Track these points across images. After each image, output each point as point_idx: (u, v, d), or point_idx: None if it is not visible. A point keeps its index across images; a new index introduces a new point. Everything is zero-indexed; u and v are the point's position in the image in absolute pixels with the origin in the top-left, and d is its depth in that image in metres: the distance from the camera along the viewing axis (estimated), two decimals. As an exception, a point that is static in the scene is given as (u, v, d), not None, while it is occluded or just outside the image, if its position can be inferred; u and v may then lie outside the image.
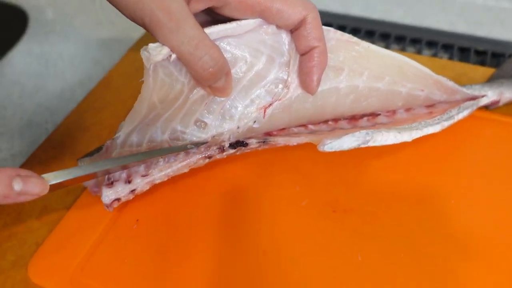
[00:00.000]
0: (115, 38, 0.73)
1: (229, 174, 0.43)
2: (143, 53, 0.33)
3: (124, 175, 0.39)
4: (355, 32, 0.69)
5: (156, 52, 0.32)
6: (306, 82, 0.37)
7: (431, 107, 0.44)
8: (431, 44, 0.66)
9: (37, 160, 0.47)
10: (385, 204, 0.40)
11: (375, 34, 0.68)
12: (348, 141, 0.32)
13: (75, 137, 0.50)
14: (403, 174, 0.42)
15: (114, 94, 0.55)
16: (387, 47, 0.66)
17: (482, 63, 0.62)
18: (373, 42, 0.66)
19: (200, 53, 0.32)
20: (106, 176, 0.39)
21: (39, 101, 0.63)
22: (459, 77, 0.52)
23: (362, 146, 0.34)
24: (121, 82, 0.56)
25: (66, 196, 0.44)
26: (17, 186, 0.29)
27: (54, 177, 0.32)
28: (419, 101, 0.43)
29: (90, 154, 0.43)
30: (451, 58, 0.64)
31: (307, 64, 0.37)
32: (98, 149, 0.42)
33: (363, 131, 0.33)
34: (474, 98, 0.44)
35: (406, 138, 0.36)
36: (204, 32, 0.33)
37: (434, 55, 0.64)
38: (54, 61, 0.70)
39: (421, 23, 0.72)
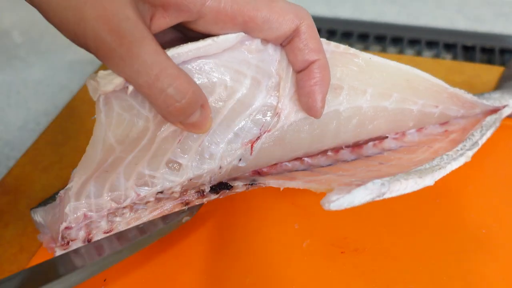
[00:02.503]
0: (83, 60, 0.67)
1: (212, 213, 0.36)
2: (89, 83, 0.26)
3: (82, 232, 0.32)
4: (346, 36, 0.63)
5: (105, 81, 0.25)
6: (309, 104, 0.30)
7: (446, 125, 0.37)
8: (431, 44, 0.60)
9: (-13, 210, 0.40)
10: (403, 239, 0.33)
11: (369, 37, 0.62)
12: (360, 196, 0.25)
13: (32, 179, 0.43)
14: (421, 201, 0.35)
15: (76, 124, 0.48)
16: (383, 50, 0.60)
17: (489, 61, 0.55)
18: (367, 46, 0.61)
19: (162, 85, 0.25)
20: (60, 235, 0.32)
21: (-2, 136, 0.56)
22: (471, 80, 0.46)
23: (377, 199, 0.27)
24: (85, 109, 0.49)
25: (20, 254, 0.36)
26: None
27: None
28: (433, 119, 0.37)
29: (43, 203, 0.36)
30: (455, 57, 0.57)
31: (307, 82, 0.30)
32: (53, 197, 0.35)
33: (377, 181, 0.26)
34: (495, 110, 0.38)
35: (428, 182, 0.29)
36: (168, 58, 0.26)
37: (436, 55, 0.58)
38: (17, 89, 0.63)
39: (417, 22, 0.66)
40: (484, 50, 0.58)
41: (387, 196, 0.27)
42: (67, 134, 0.47)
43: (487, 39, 0.59)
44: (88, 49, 0.25)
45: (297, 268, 0.33)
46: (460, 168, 0.35)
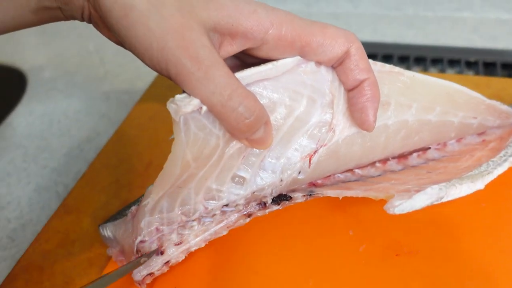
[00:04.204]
0: (119, 89, 0.70)
1: (269, 225, 0.39)
2: (170, 106, 0.29)
3: (155, 245, 0.34)
4: (372, 58, 0.65)
5: (185, 103, 0.28)
6: (362, 119, 0.33)
7: (483, 134, 0.40)
8: (453, 62, 0.63)
9: (54, 230, 0.43)
10: (455, 240, 0.35)
11: (393, 58, 0.65)
12: (420, 201, 0.29)
13: (91, 199, 0.45)
14: (466, 204, 0.37)
15: (127, 148, 0.51)
16: (407, 69, 0.63)
17: (510, 76, 0.58)
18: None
19: (234, 104, 0.28)
20: (135, 248, 0.34)
21: (45, 163, 0.59)
22: (499, 93, 0.49)
23: (436, 203, 0.30)
24: (133, 134, 0.52)
25: (90, 268, 0.39)
26: None
27: None
28: (472, 129, 0.39)
29: (112, 219, 0.38)
30: (476, 74, 0.60)
31: (359, 99, 0.33)
32: (121, 213, 0.38)
33: (436, 187, 0.29)
34: (529, 120, 0.41)
35: (479, 186, 0.33)
36: (237, 80, 0.29)
37: (459, 73, 0.61)
38: (58, 119, 0.66)
39: (435, 43, 0.70)
40: (504, 66, 0.61)
41: (444, 200, 0.30)
42: (119, 157, 0.49)
43: (507, 55, 0.62)
44: (168, 74, 0.28)
45: (356, 271, 0.35)
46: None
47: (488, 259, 0.34)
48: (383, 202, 0.33)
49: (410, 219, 0.37)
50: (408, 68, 0.63)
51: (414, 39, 0.71)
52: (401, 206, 0.28)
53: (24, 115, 0.68)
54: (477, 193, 0.36)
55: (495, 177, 0.34)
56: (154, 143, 0.50)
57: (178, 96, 0.29)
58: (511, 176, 0.39)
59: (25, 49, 0.85)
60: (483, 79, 0.53)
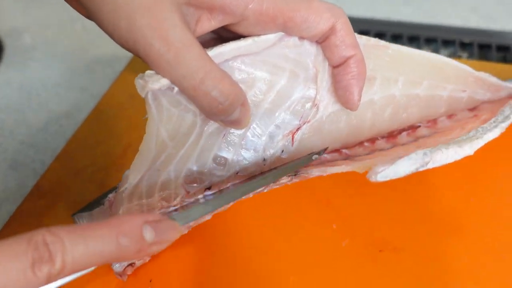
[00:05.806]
0: (102, 61, 0.67)
1: (250, 216, 0.37)
2: (138, 82, 0.27)
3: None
4: (362, 34, 0.63)
5: (153, 80, 0.26)
6: (346, 97, 0.31)
7: (475, 110, 0.39)
8: (447, 43, 0.61)
9: (26, 214, 0.41)
10: (441, 238, 0.34)
11: (386, 36, 0.62)
12: (404, 166, 0.27)
13: (66, 182, 0.43)
14: (460, 199, 0.36)
15: (106, 128, 0.49)
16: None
17: (505, 59, 0.56)
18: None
19: (207, 88, 0.26)
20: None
21: (22, 138, 0.57)
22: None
23: (421, 169, 0.28)
24: (112, 113, 0.50)
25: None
26: (149, 235, 0.23)
27: (183, 218, 0.27)
28: (462, 103, 0.38)
29: (88, 208, 0.36)
30: (471, 55, 0.58)
31: (344, 76, 0.31)
32: (97, 202, 0.36)
33: (420, 152, 0.28)
34: (520, 93, 0.39)
35: (467, 151, 0.31)
36: (212, 62, 0.27)
37: (453, 54, 0.59)
38: (36, 91, 0.64)
39: (431, 20, 0.67)
40: (499, 48, 0.59)
41: (430, 166, 0.28)
42: (96, 139, 0.47)
43: (502, 37, 0.60)
44: (137, 54, 0.26)
45: (338, 267, 0.33)
46: (497, 165, 0.36)
47: (475, 258, 0.33)
48: (369, 195, 0.31)
49: (396, 214, 0.35)
50: (402, 46, 0.61)
51: (410, 16, 0.69)
52: (384, 172, 0.26)
53: (1, 85, 0.65)
54: (466, 187, 0.35)
55: (486, 142, 0.32)
56: (133, 124, 0.48)
57: (148, 72, 0.27)
58: (500, 170, 0.38)
59: (2, 13, 0.81)
60: (477, 64, 0.51)
